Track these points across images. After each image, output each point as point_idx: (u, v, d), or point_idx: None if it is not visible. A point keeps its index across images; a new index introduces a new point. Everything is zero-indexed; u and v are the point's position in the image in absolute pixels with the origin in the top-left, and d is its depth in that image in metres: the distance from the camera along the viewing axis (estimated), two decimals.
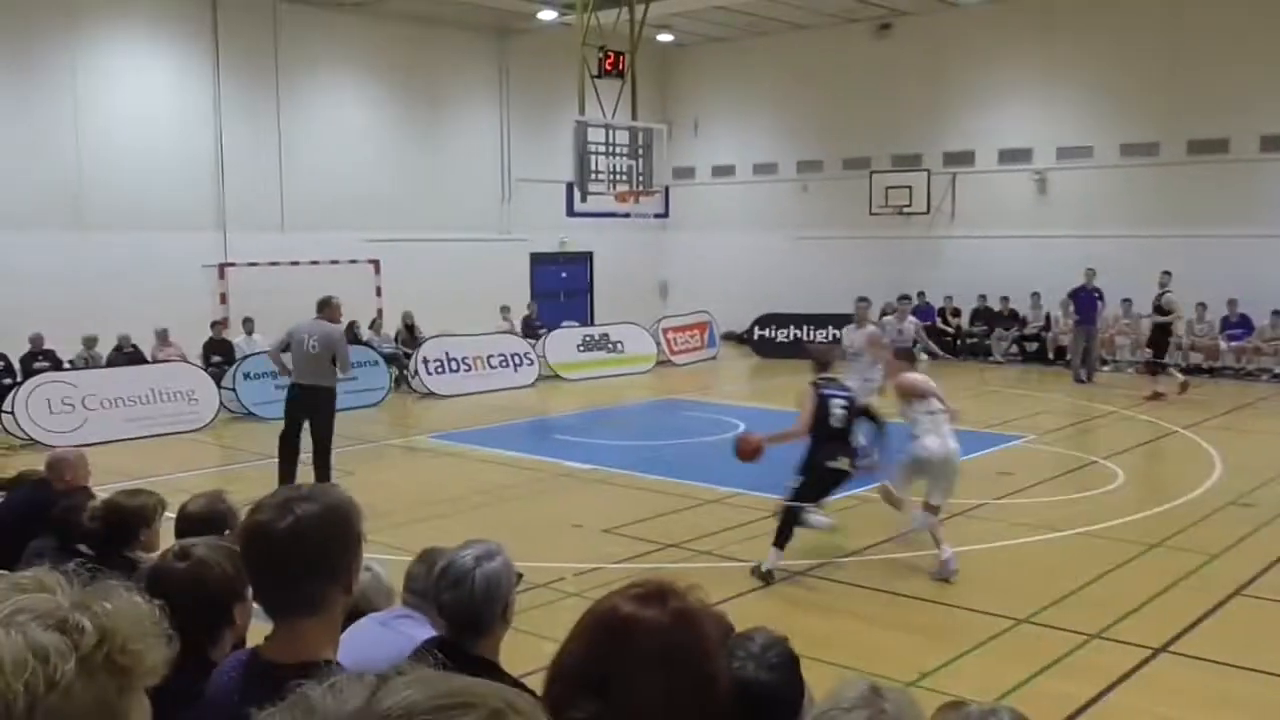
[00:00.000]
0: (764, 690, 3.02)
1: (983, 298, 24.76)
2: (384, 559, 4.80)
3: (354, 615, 4.17)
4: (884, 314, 16.86)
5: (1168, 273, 19.63)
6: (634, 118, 19.93)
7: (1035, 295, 23.78)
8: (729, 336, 27.20)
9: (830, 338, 25.40)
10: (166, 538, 4.40)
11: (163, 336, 19.21)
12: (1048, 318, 23.85)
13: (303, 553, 2.46)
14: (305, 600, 2.49)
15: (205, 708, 2.58)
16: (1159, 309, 19.51)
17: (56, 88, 19.27)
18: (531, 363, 22.09)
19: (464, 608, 3.43)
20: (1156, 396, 18.61)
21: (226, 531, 4.19)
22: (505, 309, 23.77)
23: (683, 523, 11.23)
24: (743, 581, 9.12)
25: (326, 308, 12.42)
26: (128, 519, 5.02)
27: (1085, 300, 21.32)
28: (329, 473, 12.27)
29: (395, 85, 24.17)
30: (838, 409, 9.41)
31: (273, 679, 2.37)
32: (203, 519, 4.46)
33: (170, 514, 5.38)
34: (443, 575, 3.50)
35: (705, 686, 2.09)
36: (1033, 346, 24.10)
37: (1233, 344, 21.71)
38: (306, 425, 12.23)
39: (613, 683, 2.03)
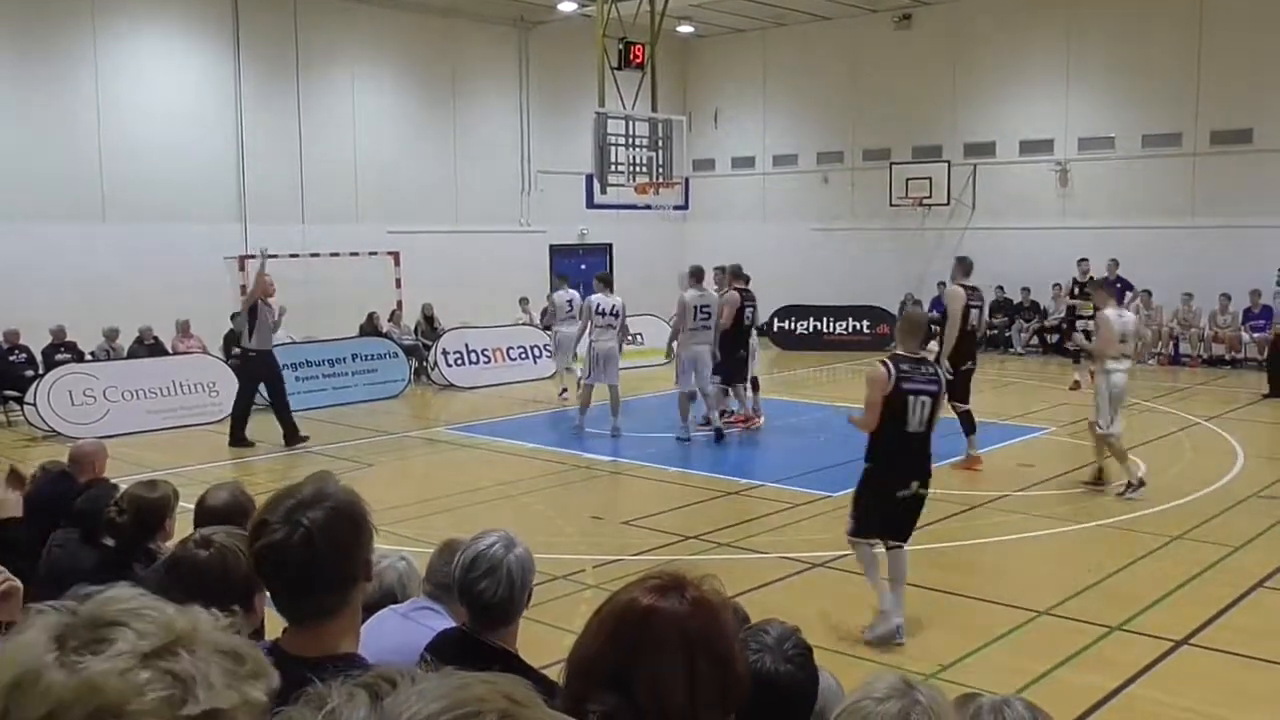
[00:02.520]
0: (783, 683, 3.01)
1: (1000, 289, 24.65)
2: (405, 550, 4.81)
3: (385, 604, 4.18)
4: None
5: (1085, 259, 19.83)
6: (654, 109, 19.92)
7: (1057, 286, 23.65)
8: None
9: (850, 330, 25.44)
10: (183, 529, 4.40)
11: (184, 328, 19.29)
12: (1069, 309, 23.72)
13: (320, 567, 2.40)
14: (326, 610, 2.46)
15: None
16: (1086, 294, 19.16)
17: (79, 81, 19.37)
18: (550, 355, 22.07)
19: (499, 596, 3.44)
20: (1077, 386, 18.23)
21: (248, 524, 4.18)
22: (524, 301, 23.79)
23: (702, 515, 11.23)
24: (762, 573, 9.12)
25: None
26: (152, 511, 5.04)
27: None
28: (237, 430, 15.21)
29: (415, 77, 24.19)
30: None
31: (295, 673, 2.37)
32: (225, 512, 4.46)
33: (188, 505, 5.41)
34: (473, 566, 3.50)
35: (726, 673, 2.10)
36: (1053, 338, 23.98)
37: (1255, 335, 21.57)
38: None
39: (635, 675, 2.03)
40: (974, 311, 13.26)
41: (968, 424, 12.98)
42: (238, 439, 15.15)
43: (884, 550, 7.83)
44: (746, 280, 15.87)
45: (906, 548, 7.87)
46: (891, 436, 7.62)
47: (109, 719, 1.05)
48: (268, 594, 3.39)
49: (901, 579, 7.75)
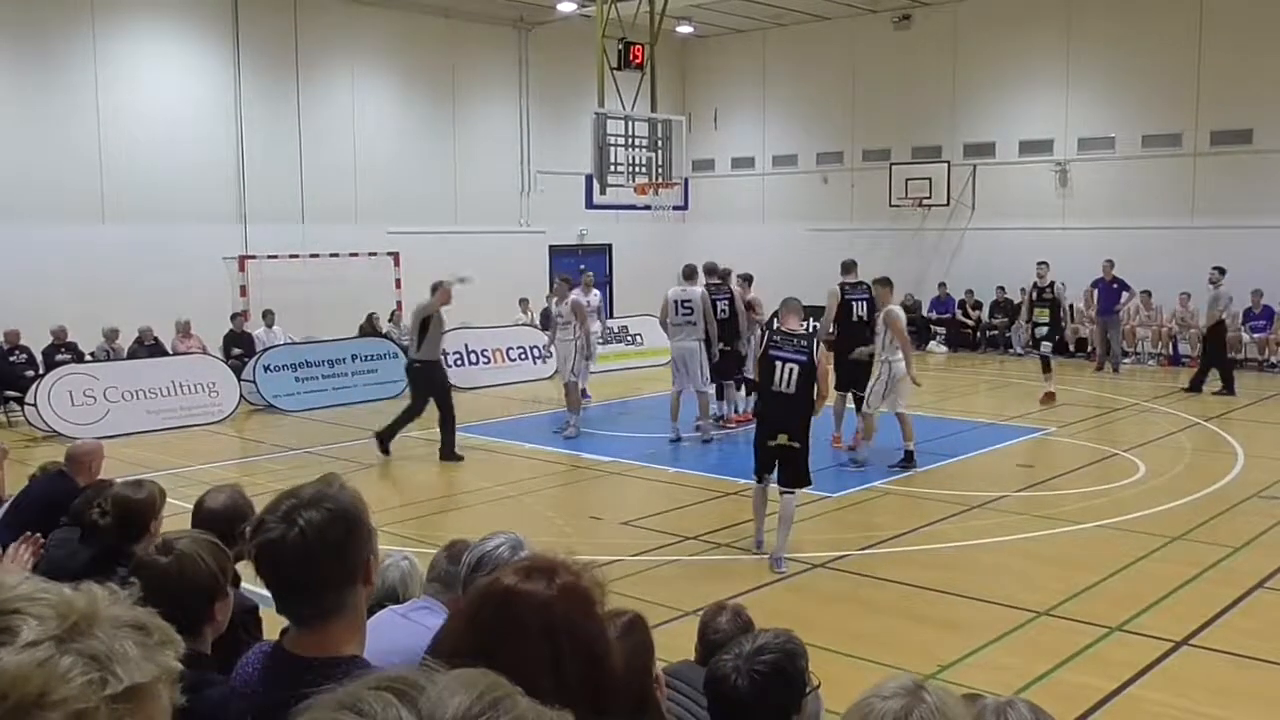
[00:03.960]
0: (735, 694, 3.03)
1: (1001, 289, 24.64)
2: (404, 550, 4.81)
3: (386, 604, 4.18)
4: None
5: (1044, 262, 18.74)
6: (653, 110, 19.92)
7: (1060, 287, 23.64)
8: None
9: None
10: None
11: (184, 329, 19.30)
12: (1070, 310, 23.70)
13: (314, 566, 2.42)
14: (324, 611, 2.48)
15: (229, 697, 2.59)
16: (1054, 300, 18.16)
17: (78, 81, 19.36)
18: (550, 355, 22.04)
19: None
20: (1050, 398, 17.66)
21: (246, 528, 4.17)
22: (524, 301, 23.78)
23: (701, 515, 11.23)
24: (761, 574, 9.12)
25: (435, 290, 13.99)
26: (136, 512, 5.00)
27: (1104, 291, 21.29)
28: (446, 442, 13.99)
29: (415, 78, 24.19)
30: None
31: (297, 673, 2.38)
32: (223, 515, 4.45)
33: (179, 502, 5.41)
34: (479, 566, 3.52)
35: (596, 668, 1.98)
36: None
37: (1255, 335, 21.59)
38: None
39: (495, 662, 1.95)
40: (856, 304, 14.19)
41: (857, 405, 14.01)
42: (385, 446, 14.08)
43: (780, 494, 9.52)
44: (722, 276, 15.71)
45: (796, 493, 9.48)
46: (765, 393, 9.46)
47: (33, 710, 1.03)
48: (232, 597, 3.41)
49: (787, 522, 9.32)
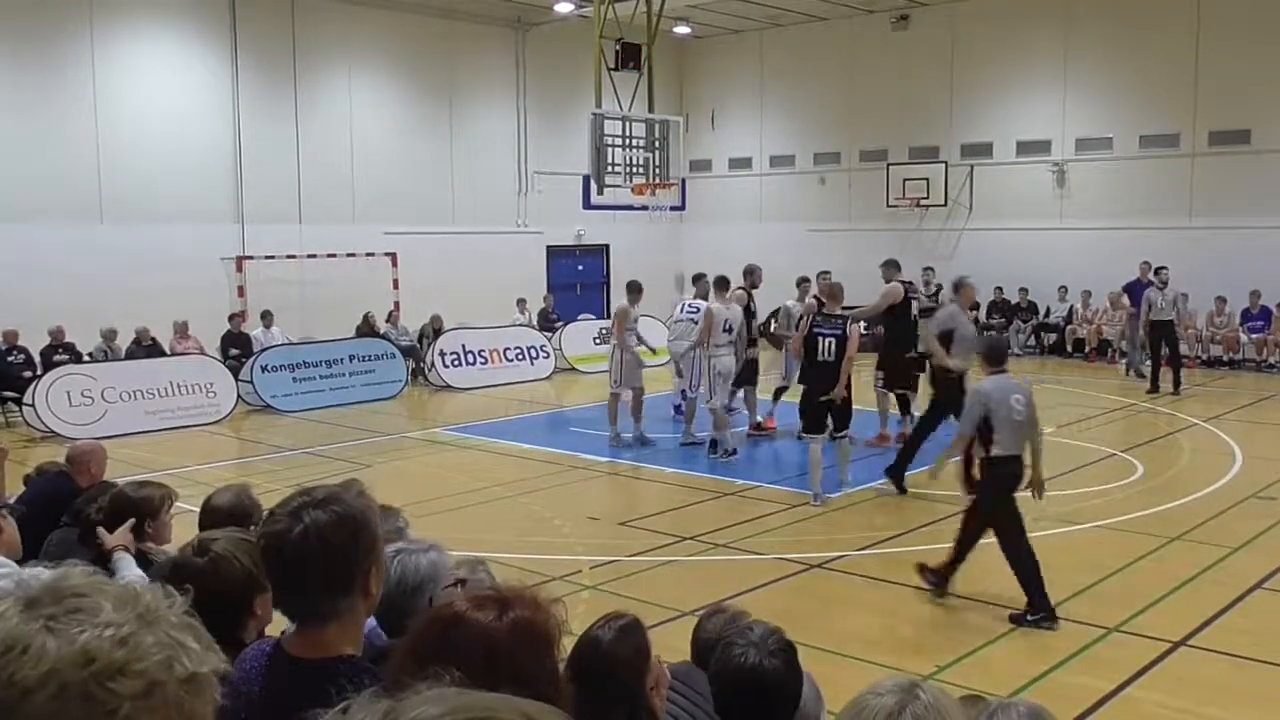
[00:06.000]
0: (769, 678, 3.02)
1: (999, 290, 24.63)
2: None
3: (417, 602, 4.18)
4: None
5: (930, 268, 17.54)
6: (651, 110, 19.90)
7: (1063, 289, 23.67)
8: None
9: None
10: (188, 530, 4.39)
11: (181, 329, 19.27)
12: (1070, 310, 23.71)
13: (314, 566, 2.43)
14: (320, 613, 2.49)
15: (227, 694, 2.59)
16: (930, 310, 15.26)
17: (76, 81, 19.33)
18: (548, 355, 22.08)
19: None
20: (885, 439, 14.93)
21: (251, 526, 4.19)
22: (521, 301, 23.78)
23: (699, 516, 11.22)
24: (759, 575, 9.12)
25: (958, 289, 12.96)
26: (132, 511, 5.01)
27: (1141, 293, 20.91)
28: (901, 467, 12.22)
29: (412, 78, 24.17)
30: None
31: (294, 673, 2.39)
32: (228, 513, 4.46)
33: (187, 505, 5.41)
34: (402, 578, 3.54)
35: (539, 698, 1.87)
36: (1051, 338, 23.99)
37: (1253, 336, 21.58)
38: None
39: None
40: (914, 302, 14.55)
41: (903, 406, 14.37)
42: (900, 479, 12.11)
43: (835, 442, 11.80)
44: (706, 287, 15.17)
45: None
46: (810, 363, 11.58)
47: (116, 676, 1.12)
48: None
49: (846, 458, 12.08)
